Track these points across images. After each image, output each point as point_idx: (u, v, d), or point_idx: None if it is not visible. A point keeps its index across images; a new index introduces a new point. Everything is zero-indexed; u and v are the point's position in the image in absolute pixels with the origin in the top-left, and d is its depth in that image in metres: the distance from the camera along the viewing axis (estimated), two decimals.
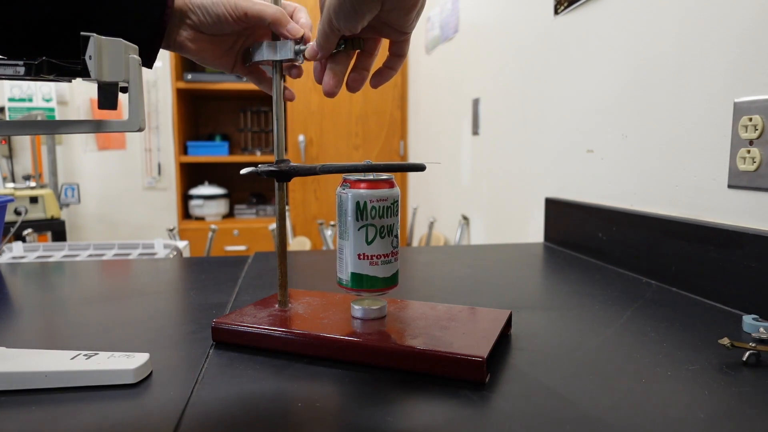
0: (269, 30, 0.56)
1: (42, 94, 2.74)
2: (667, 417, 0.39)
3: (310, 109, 2.73)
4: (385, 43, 0.54)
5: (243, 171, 0.55)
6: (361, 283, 0.52)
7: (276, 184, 0.55)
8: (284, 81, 0.58)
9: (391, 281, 0.53)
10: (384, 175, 0.52)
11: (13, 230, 1.43)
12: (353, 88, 0.54)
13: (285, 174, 0.53)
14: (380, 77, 0.55)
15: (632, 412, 0.39)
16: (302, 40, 0.55)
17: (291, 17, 0.56)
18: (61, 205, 2.40)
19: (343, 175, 0.52)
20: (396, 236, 0.53)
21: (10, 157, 2.88)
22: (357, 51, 0.53)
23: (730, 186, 0.69)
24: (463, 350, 0.44)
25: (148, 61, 0.51)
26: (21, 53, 0.36)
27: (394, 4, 0.44)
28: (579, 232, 1.00)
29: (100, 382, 0.43)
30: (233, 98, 3.17)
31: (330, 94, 0.52)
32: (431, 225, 2.08)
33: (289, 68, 0.58)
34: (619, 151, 0.93)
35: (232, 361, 0.49)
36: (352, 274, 0.52)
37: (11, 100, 2.68)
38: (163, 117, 3.13)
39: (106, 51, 0.37)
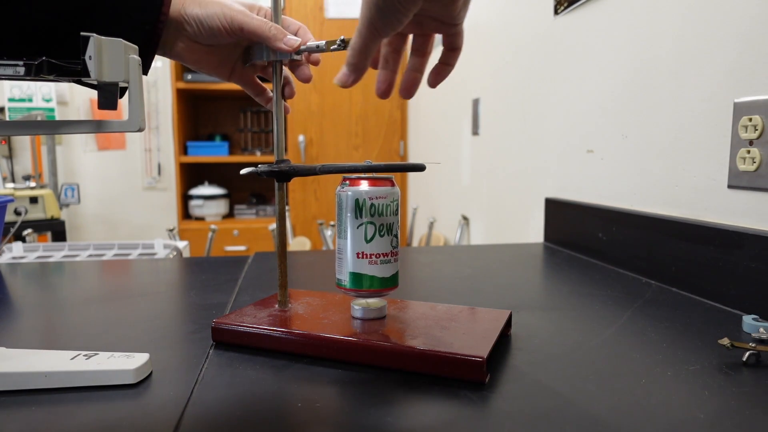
0: None
1: (42, 94, 2.74)
2: (667, 417, 0.39)
3: (310, 109, 2.73)
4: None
5: (243, 171, 0.55)
6: (360, 283, 0.51)
7: (276, 184, 0.55)
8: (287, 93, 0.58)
9: (391, 282, 0.52)
10: (384, 174, 0.52)
11: (13, 230, 1.43)
12: (407, 93, 0.49)
13: (285, 174, 0.53)
14: (438, 75, 0.50)
15: (632, 412, 0.39)
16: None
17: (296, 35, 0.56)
18: (61, 205, 2.40)
19: (343, 174, 0.52)
20: (396, 236, 0.53)
21: (10, 157, 2.88)
22: (411, 53, 0.49)
23: (730, 186, 0.69)
24: (463, 350, 0.44)
25: (143, 66, 0.51)
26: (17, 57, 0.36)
27: None
28: (579, 232, 1.00)
29: (100, 382, 0.43)
30: (233, 98, 3.17)
31: (384, 95, 0.48)
32: (431, 225, 2.08)
33: (296, 67, 0.58)
34: (619, 151, 0.93)
35: (232, 361, 0.49)
36: (351, 273, 0.52)
37: (11, 100, 2.68)
38: (163, 117, 3.13)
39: (105, 51, 0.37)
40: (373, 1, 0.40)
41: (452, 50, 0.48)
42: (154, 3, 0.50)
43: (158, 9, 0.50)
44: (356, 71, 0.44)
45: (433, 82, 0.50)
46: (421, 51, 0.49)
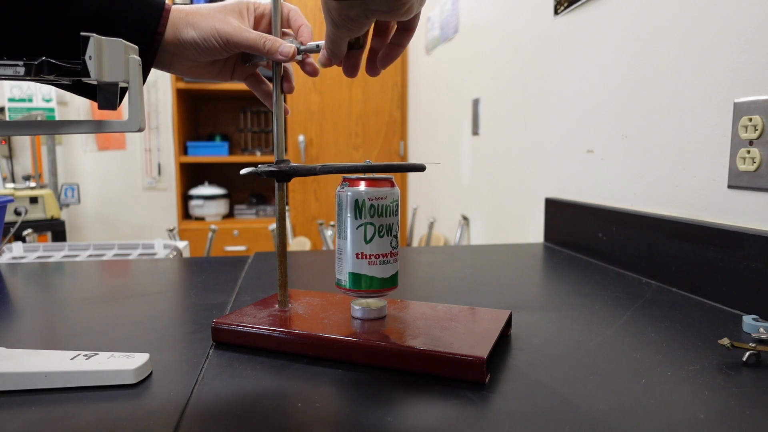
0: (268, 28, 0.56)
1: (42, 95, 2.73)
2: (667, 417, 0.39)
3: (310, 109, 2.73)
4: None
5: (243, 171, 0.55)
6: (359, 283, 0.51)
7: (276, 184, 0.55)
8: (285, 88, 0.58)
9: (390, 282, 0.52)
10: (383, 175, 0.52)
11: (13, 230, 1.43)
12: (384, 63, 0.51)
13: (285, 174, 0.53)
14: (387, 57, 0.50)
15: (632, 412, 0.39)
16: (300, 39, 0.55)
17: (288, 20, 0.56)
18: (61, 205, 2.40)
19: (343, 174, 0.52)
20: (395, 236, 0.52)
21: (10, 157, 2.88)
22: (396, 26, 0.50)
23: (730, 186, 0.69)
24: (463, 350, 0.44)
25: None
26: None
27: (378, 5, 0.41)
28: (579, 232, 1.00)
29: (100, 382, 0.43)
30: (233, 98, 3.17)
31: (350, 76, 0.53)
32: (431, 225, 2.08)
33: (302, 64, 0.57)
34: (619, 151, 0.93)
35: (232, 361, 0.49)
36: (351, 273, 0.52)
37: (11, 100, 2.68)
38: (163, 117, 3.13)
39: (106, 51, 0.37)
40: (328, 18, 0.43)
41: (405, 30, 0.49)
42: (149, 24, 0.51)
43: (153, 29, 0.51)
44: (334, 57, 0.49)
45: (383, 63, 0.51)
46: (383, 28, 0.50)
